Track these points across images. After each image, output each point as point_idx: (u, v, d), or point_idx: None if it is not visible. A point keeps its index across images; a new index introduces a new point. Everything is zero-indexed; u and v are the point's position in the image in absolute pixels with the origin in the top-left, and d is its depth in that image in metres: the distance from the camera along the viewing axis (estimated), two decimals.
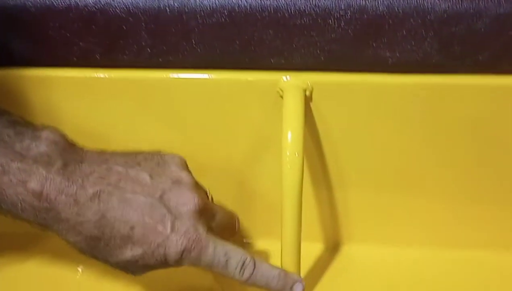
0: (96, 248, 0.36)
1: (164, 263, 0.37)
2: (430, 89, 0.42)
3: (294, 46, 0.41)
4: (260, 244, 0.51)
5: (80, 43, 0.42)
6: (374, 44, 0.40)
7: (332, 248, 0.52)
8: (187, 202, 0.37)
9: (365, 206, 0.50)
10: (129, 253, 0.36)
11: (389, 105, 0.43)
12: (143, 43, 0.42)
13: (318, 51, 0.41)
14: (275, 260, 0.45)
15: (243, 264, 0.38)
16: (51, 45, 0.42)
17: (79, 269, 0.48)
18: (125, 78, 0.43)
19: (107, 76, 0.44)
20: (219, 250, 0.38)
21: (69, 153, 0.37)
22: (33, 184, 0.34)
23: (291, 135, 0.40)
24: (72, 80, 0.44)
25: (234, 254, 0.38)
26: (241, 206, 0.49)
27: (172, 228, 0.36)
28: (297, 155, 0.40)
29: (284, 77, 0.42)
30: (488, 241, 0.51)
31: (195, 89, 0.43)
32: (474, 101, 0.42)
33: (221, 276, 0.39)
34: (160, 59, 0.42)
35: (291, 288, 0.40)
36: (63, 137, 0.38)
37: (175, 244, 0.36)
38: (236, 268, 0.38)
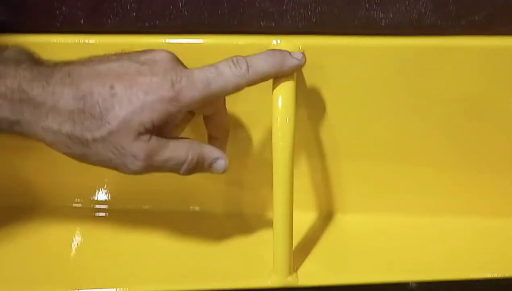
0: (83, 126, 0.34)
1: (163, 111, 0.35)
2: (425, 52, 0.41)
3: (284, 8, 0.40)
4: (252, 214, 0.51)
5: (63, 8, 0.41)
6: (366, 5, 0.39)
7: (325, 217, 0.51)
8: (161, 55, 0.37)
9: (359, 174, 0.49)
10: (120, 112, 0.34)
11: (383, 69, 0.42)
12: (128, 7, 0.40)
13: (309, 13, 0.40)
14: (267, 229, 0.45)
15: (234, 61, 0.37)
16: (32, 11, 0.41)
17: (73, 245, 0.48)
18: (110, 43, 0.42)
19: (92, 42, 0.42)
20: (205, 68, 0.36)
21: (38, 61, 0.37)
22: (7, 81, 0.34)
23: (282, 100, 0.39)
24: (56, 47, 0.43)
25: (222, 63, 0.37)
26: (232, 174, 0.48)
27: (152, 73, 0.35)
28: (288, 121, 0.39)
29: (274, 41, 0.41)
30: (482, 208, 0.50)
31: (182, 55, 0.42)
32: (470, 63, 0.41)
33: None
34: (146, 24, 0.41)
35: (291, 54, 0.38)
36: (31, 52, 0.37)
37: (162, 83, 0.35)
38: (230, 67, 0.36)
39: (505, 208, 0.50)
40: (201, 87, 0.36)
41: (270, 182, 0.41)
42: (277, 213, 0.41)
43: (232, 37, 0.42)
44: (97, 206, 0.51)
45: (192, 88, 0.35)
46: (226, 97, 0.43)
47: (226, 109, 0.43)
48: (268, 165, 0.41)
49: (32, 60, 0.36)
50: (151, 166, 0.36)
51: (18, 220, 0.49)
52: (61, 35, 0.42)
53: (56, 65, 0.36)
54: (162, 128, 0.36)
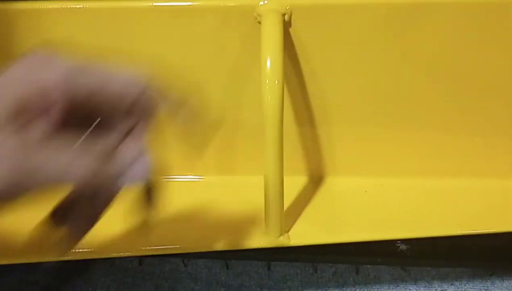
0: None
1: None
2: (417, 8, 0.41)
3: None
4: (243, 178, 0.51)
5: None
6: None
7: (316, 180, 0.51)
8: None
9: (349, 137, 0.49)
10: None
11: (373, 29, 0.42)
12: None
13: None
14: (259, 193, 0.45)
15: None
16: None
17: None
18: (100, 8, 0.42)
19: (79, 7, 0.42)
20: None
21: None
22: None
23: (270, 62, 0.39)
24: (42, 13, 0.42)
25: None
26: (221, 139, 0.48)
27: None
28: (276, 83, 0.39)
29: (261, 2, 0.41)
30: (474, 169, 0.51)
31: (169, 18, 0.42)
32: (461, 18, 0.41)
33: None
34: None
35: None
36: None
37: None
38: None
39: (498, 168, 0.51)
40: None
41: (260, 144, 0.41)
42: (268, 174, 0.42)
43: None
44: None
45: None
46: (209, 56, 0.43)
47: None
48: (258, 128, 0.41)
49: None
50: None
51: None
52: (47, 1, 0.42)
53: None
54: None
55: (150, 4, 0.42)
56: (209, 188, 0.51)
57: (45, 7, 0.42)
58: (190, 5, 0.41)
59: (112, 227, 0.45)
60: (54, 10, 0.42)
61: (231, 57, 0.44)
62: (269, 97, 0.39)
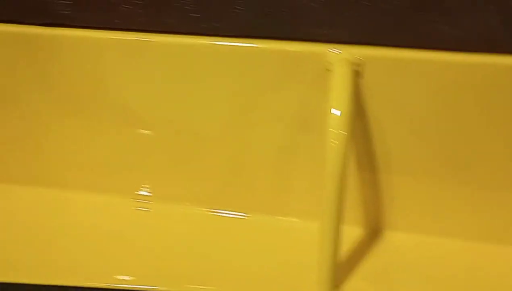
0: None
1: None
2: (495, 70, 0.39)
3: (344, 16, 0.39)
4: (299, 223, 0.49)
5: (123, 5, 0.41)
6: (431, 17, 0.37)
7: (373, 232, 0.49)
8: None
9: (410, 193, 0.47)
10: None
11: (445, 87, 0.40)
12: (188, 8, 0.40)
13: (370, 22, 0.38)
14: (312, 238, 0.44)
15: None
16: (91, 5, 0.41)
17: None
18: (169, 43, 0.42)
19: (151, 40, 0.42)
20: None
21: None
22: None
23: (338, 111, 0.38)
24: (115, 43, 0.43)
25: None
26: (280, 182, 0.47)
27: None
28: (342, 133, 0.38)
29: (332, 50, 0.40)
30: None
31: (238, 59, 0.42)
32: None
33: None
34: (205, 25, 0.41)
35: None
36: None
37: None
38: None
39: None
40: None
41: (319, 190, 0.40)
42: (325, 225, 0.40)
43: (288, 43, 0.41)
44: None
45: None
46: (274, 99, 0.42)
47: None
48: (318, 172, 0.40)
49: None
50: None
51: None
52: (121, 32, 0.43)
53: None
54: None
55: (221, 43, 0.42)
56: (261, 228, 0.50)
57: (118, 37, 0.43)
58: (257, 47, 0.41)
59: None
60: (127, 42, 0.43)
61: (296, 101, 0.43)
62: (333, 147, 0.38)
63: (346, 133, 0.38)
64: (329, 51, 0.40)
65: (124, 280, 0.44)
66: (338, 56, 0.40)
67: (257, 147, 0.46)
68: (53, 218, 0.49)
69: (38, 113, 0.48)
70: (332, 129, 0.38)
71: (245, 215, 0.50)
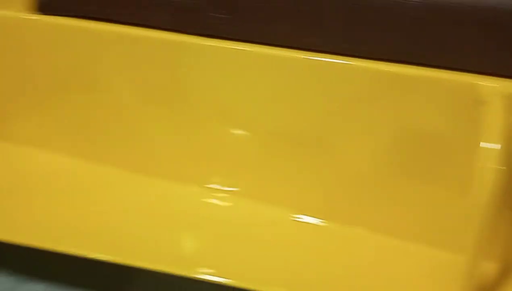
0: None
1: None
2: None
3: (499, 45, 0.38)
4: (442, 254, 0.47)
5: None
6: None
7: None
8: None
9: None
10: None
11: None
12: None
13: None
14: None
15: None
16: None
17: None
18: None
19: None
20: None
21: None
22: None
23: (492, 147, 0.37)
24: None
25: None
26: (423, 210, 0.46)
27: None
28: (496, 169, 0.37)
29: (485, 82, 0.39)
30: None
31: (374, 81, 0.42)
32: None
33: None
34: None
35: None
36: None
37: None
38: None
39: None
40: None
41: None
42: (471, 259, 0.39)
43: (435, 71, 0.40)
44: None
45: None
46: (417, 126, 0.42)
47: None
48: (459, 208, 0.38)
49: None
50: None
51: None
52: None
53: None
54: None
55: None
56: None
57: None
58: (406, 72, 0.41)
59: None
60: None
61: (438, 131, 0.42)
62: (485, 183, 0.37)
63: (498, 169, 0.37)
64: (482, 82, 0.39)
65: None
66: (492, 89, 0.38)
67: (398, 180, 0.45)
68: (132, 202, 0.51)
69: (128, 105, 0.50)
70: (484, 164, 0.37)
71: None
